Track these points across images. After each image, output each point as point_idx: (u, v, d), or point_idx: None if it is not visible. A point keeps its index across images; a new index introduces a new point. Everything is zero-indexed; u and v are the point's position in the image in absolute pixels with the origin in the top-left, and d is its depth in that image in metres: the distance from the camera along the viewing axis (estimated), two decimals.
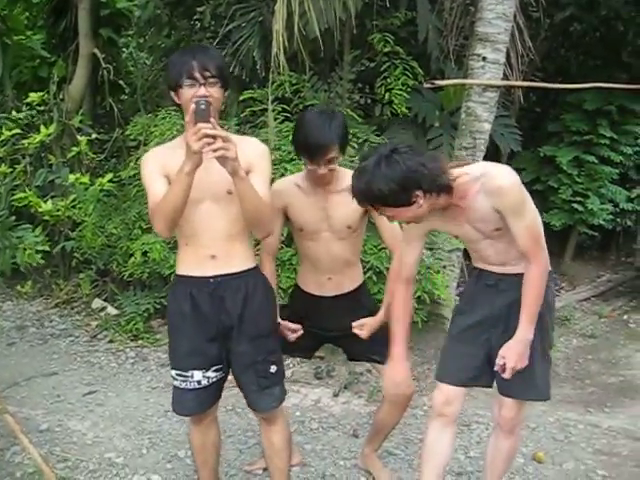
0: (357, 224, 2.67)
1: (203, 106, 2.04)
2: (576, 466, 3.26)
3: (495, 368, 2.34)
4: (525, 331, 2.29)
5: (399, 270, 2.59)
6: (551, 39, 6.84)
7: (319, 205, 2.65)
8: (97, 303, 5.41)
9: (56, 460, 3.22)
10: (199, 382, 2.41)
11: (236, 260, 2.37)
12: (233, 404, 3.71)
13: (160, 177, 2.28)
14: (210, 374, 2.42)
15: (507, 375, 2.31)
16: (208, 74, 2.21)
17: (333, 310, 2.78)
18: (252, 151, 2.34)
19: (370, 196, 2.13)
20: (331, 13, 4.10)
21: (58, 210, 4.96)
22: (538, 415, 3.79)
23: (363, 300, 2.85)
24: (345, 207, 2.57)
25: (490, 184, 2.18)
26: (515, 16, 4.49)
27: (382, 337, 2.68)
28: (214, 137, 2.05)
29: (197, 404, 2.47)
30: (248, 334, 2.38)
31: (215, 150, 2.05)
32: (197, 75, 2.20)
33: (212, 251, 2.33)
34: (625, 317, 5.68)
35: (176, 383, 2.45)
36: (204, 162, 2.14)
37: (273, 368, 2.44)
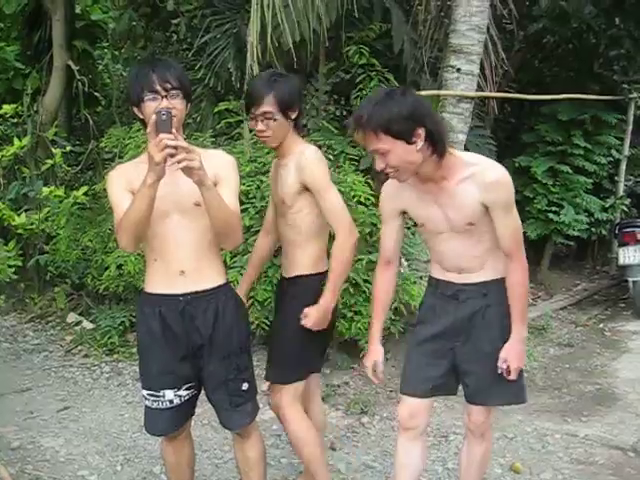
0: (292, 199, 2.58)
1: (164, 117, 2.00)
2: (553, 476, 3.26)
3: (499, 371, 2.35)
4: (520, 330, 2.33)
5: (343, 248, 2.51)
6: (525, 51, 6.93)
7: (273, 178, 2.72)
8: (72, 317, 5.35)
9: (27, 479, 3.15)
10: (171, 401, 2.37)
11: (206, 276, 2.34)
12: (209, 419, 3.67)
13: (125, 193, 2.25)
14: (182, 392, 2.39)
15: (513, 376, 2.33)
16: (169, 86, 2.20)
17: (280, 294, 2.81)
18: (219, 163, 2.33)
19: (377, 118, 2.08)
20: (305, 25, 4.10)
21: (32, 223, 4.92)
22: (515, 425, 3.79)
23: (299, 294, 2.65)
24: (283, 180, 2.58)
25: (485, 176, 2.18)
26: (489, 28, 4.54)
27: (281, 355, 2.70)
28: (176, 148, 2.00)
29: (170, 424, 2.43)
30: (219, 353, 2.34)
31: (179, 161, 2.01)
32: (158, 88, 2.19)
33: (181, 266, 2.30)
34: (601, 325, 5.73)
35: (148, 403, 2.41)
36: (169, 175, 2.11)
37: (245, 385, 2.42)
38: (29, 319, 5.50)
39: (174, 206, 2.27)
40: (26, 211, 5.09)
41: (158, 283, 2.34)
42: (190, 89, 2.37)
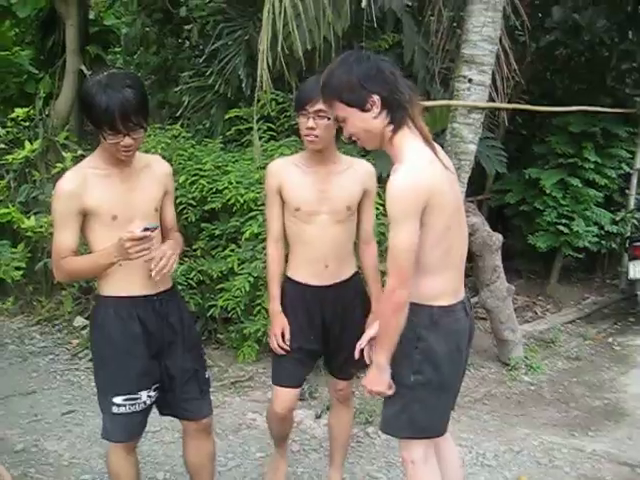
0: (356, 205, 2.68)
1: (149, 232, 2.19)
2: None
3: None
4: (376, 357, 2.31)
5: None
6: (537, 63, 6.90)
7: (317, 186, 2.62)
8: (79, 321, 5.34)
9: None
10: (145, 402, 2.42)
11: (166, 277, 2.39)
12: (213, 425, 3.65)
13: (72, 219, 2.26)
14: (152, 393, 2.44)
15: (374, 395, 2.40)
16: (130, 125, 2.16)
17: (330, 300, 2.72)
18: (167, 173, 2.48)
19: (330, 86, 2.05)
20: (317, 34, 4.11)
21: (41, 226, 4.94)
22: (522, 438, 3.76)
23: (357, 288, 2.83)
24: (345, 188, 2.63)
25: (390, 180, 2.03)
26: (501, 39, 4.52)
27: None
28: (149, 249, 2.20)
29: (141, 427, 2.50)
30: (187, 345, 2.49)
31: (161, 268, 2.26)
32: (121, 128, 2.15)
33: (147, 269, 2.30)
34: (610, 340, 5.67)
35: (121, 410, 2.38)
36: (130, 183, 2.30)
37: (207, 374, 2.59)
38: (36, 322, 5.50)
39: (137, 212, 2.32)
40: (35, 214, 5.11)
41: (132, 284, 2.35)
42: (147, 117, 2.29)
